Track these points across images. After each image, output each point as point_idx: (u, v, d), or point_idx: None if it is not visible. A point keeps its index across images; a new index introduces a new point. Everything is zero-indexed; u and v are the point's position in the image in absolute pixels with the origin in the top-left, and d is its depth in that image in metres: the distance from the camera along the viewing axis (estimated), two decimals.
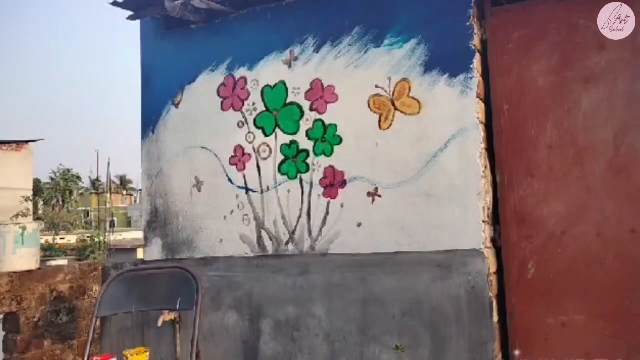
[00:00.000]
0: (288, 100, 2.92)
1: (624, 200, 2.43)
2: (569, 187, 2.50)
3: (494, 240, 2.59)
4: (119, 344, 3.07)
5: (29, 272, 3.48)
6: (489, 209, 2.56)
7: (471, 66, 2.54)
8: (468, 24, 2.55)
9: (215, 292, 3.00)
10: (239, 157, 3.03)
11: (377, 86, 2.71)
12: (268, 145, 2.97)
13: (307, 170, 2.85)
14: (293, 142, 2.90)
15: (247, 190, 3.00)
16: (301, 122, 2.88)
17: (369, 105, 2.72)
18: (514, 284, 2.56)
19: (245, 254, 2.98)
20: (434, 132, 2.58)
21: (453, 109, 2.55)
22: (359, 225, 2.71)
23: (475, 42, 2.56)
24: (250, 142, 3.01)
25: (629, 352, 2.36)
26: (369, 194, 2.70)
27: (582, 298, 2.45)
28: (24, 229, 3.48)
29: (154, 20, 3.28)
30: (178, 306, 2.49)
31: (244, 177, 3.01)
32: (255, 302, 2.92)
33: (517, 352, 2.51)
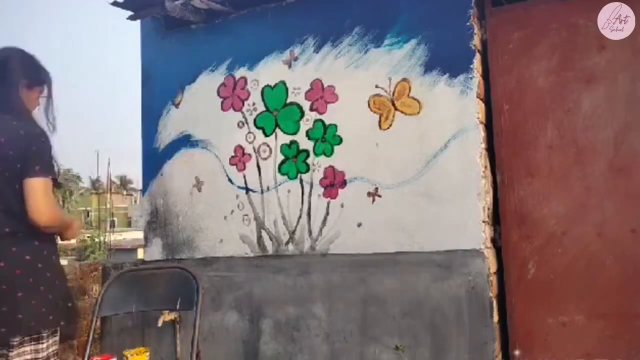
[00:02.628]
0: (288, 100, 2.92)
1: (624, 200, 2.42)
2: (569, 187, 2.50)
3: (494, 240, 2.59)
4: (119, 344, 3.07)
5: None
6: (489, 209, 2.56)
7: (471, 66, 2.54)
8: (468, 24, 2.55)
9: (215, 292, 3.00)
10: (239, 157, 3.03)
11: (377, 86, 2.71)
12: (268, 145, 2.97)
13: (307, 170, 2.85)
14: (293, 142, 2.90)
15: (247, 190, 3.00)
16: (301, 122, 2.88)
17: (369, 105, 2.72)
18: (514, 284, 2.56)
19: (245, 254, 2.98)
20: (434, 132, 2.58)
21: (453, 109, 2.55)
22: (359, 225, 2.71)
23: (476, 42, 2.56)
24: (250, 142, 3.01)
25: (629, 352, 2.36)
26: (369, 194, 2.70)
27: (582, 298, 2.45)
28: None
29: (154, 20, 3.28)
30: (178, 306, 2.49)
31: (244, 177, 3.01)
32: (255, 302, 2.92)
33: (517, 352, 2.51)
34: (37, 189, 1.86)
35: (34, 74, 2.05)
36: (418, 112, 2.63)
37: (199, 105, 3.17)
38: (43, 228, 1.88)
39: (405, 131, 2.64)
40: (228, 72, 3.09)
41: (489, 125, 2.64)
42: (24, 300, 1.83)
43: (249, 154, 3.01)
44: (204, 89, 3.15)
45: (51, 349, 1.93)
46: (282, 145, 2.93)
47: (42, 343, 1.90)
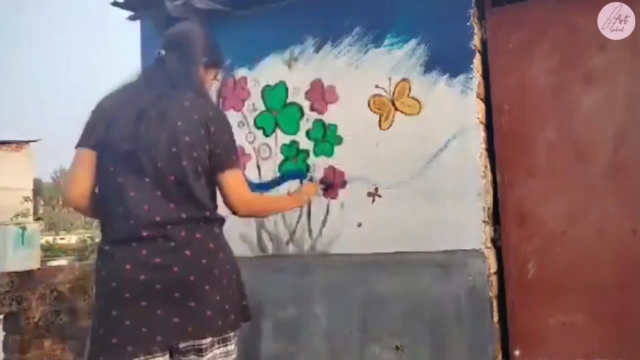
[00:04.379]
0: (288, 100, 2.92)
1: (625, 201, 2.42)
2: (569, 187, 2.50)
3: (494, 240, 2.59)
4: None
5: (29, 272, 3.49)
6: (489, 209, 2.55)
7: (471, 66, 2.54)
8: (468, 24, 2.55)
9: None
10: (239, 157, 3.02)
11: (377, 86, 2.71)
12: (268, 146, 2.96)
13: (308, 170, 2.85)
14: (293, 142, 2.90)
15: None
16: (301, 122, 2.88)
17: (369, 105, 2.72)
18: (514, 284, 2.56)
19: (245, 254, 2.98)
20: (434, 132, 2.58)
21: (453, 109, 2.55)
22: (359, 225, 2.71)
23: (476, 42, 2.56)
24: (250, 142, 3.01)
25: (629, 352, 2.36)
26: (369, 194, 2.69)
27: (582, 298, 2.45)
28: (24, 229, 3.49)
29: (154, 20, 3.27)
30: None
31: (244, 176, 3.01)
32: (255, 302, 2.90)
33: (517, 352, 2.51)
34: (238, 181, 1.79)
35: (213, 54, 1.91)
36: (418, 112, 2.63)
37: None
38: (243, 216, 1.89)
39: (405, 131, 2.64)
40: (228, 72, 3.09)
41: (489, 125, 2.64)
42: (211, 295, 1.62)
43: (249, 154, 3.01)
44: None
45: (235, 355, 1.75)
46: (282, 145, 2.93)
47: (230, 344, 1.73)
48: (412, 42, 2.65)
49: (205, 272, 1.62)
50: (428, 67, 2.62)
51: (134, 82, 1.81)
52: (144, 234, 1.58)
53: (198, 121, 1.67)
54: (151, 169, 1.61)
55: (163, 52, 1.81)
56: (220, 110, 1.80)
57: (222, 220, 1.76)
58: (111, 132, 1.66)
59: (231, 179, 1.75)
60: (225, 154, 1.74)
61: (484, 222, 2.49)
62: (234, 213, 1.80)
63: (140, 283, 1.55)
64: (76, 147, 1.72)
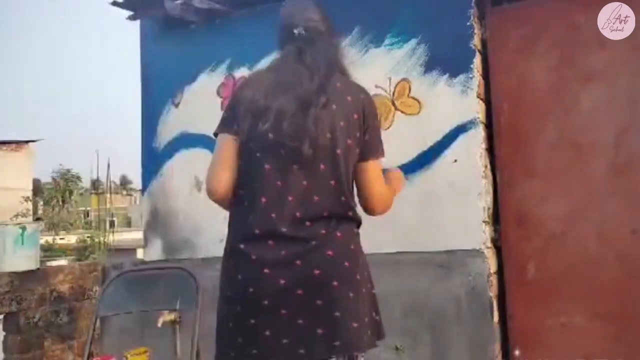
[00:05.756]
0: None
1: (625, 201, 2.42)
2: (569, 187, 2.50)
3: (494, 240, 2.59)
4: (119, 344, 3.06)
5: (29, 272, 3.48)
6: (489, 209, 2.55)
7: (471, 66, 2.53)
8: (468, 24, 2.55)
9: (215, 292, 2.98)
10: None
11: (377, 86, 2.70)
12: None
13: None
14: None
15: None
16: None
17: None
18: (514, 284, 2.55)
19: None
20: (434, 132, 2.58)
21: (453, 109, 2.55)
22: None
23: (476, 41, 2.56)
24: None
25: (629, 353, 2.35)
26: None
27: (582, 299, 2.45)
28: (24, 229, 3.47)
29: (154, 20, 3.27)
30: (178, 306, 2.49)
31: None
32: None
33: (517, 352, 2.51)
34: (379, 174, 1.54)
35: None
36: (418, 112, 2.62)
37: (198, 105, 3.16)
38: (374, 215, 1.59)
39: (405, 131, 2.64)
40: (228, 72, 3.08)
41: (489, 125, 2.64)
42: (355, 304, 1.40)
43: None
44: (204, 88, 3.14)
45: None
46: None
47: None
48: (412, 42, 2.65)
49: (348, 276, 1.41)
50: (428, 67, 2.61)
51: (279, 64, 1.71)
52: (283, 229, 1.39)
53: (351, 104, 1.48)
54: (303, 155, 1.40)
55: (302, 31, 1.73)
56: (368, 92, 1.60)
57: (360, 222, 1.57)
58: (262, 118, 1.46)
59: (373, 171, 1.51)
60: (373, 141, 1.51)
61: (484, 222, 2.48)
62: (369, 212, 1.59)
63: (280, 289, 1.37)
64: (217, 134, 1.59)
